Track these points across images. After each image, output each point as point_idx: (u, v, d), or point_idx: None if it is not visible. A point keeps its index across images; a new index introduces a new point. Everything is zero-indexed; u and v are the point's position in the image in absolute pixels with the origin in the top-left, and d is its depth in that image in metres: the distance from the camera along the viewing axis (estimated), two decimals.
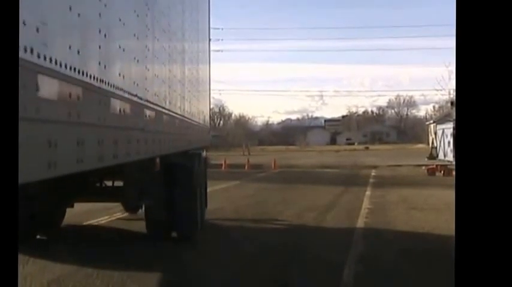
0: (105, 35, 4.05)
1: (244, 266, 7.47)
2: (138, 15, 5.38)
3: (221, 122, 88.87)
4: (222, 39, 48.70)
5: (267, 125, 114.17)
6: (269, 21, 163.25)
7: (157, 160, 7.48)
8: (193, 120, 10.07)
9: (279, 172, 29.24)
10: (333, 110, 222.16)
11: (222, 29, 48.66)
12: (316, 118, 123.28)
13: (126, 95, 4.68)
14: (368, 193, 17.12)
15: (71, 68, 3.22)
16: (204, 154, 11.04)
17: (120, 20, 4.59)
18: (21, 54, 2.36)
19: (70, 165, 3.25)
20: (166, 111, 6.91)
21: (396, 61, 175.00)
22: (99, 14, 3.91)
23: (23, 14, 2.34)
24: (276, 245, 8.90)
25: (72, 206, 9.36)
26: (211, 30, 15.21)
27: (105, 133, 4.05)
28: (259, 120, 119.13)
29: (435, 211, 12.43)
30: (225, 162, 30.64)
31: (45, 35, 2.75)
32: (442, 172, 24.90)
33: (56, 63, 2.95)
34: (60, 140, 2.96)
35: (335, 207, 13.86)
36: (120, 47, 4.61)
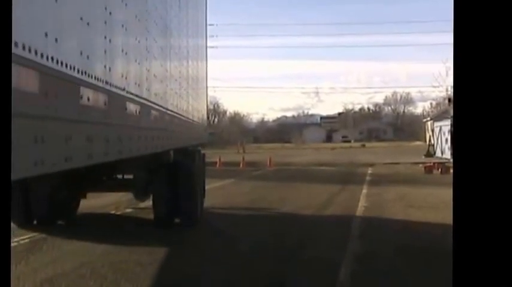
0: (148, 70, 6.07)
1: (241, 269, 7.17)
2: (161, 48, 7.27)
3: (216, 119, 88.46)
4: (216, 36, 48.18)
5: (262, 122, 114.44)
6: (264, 17, 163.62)
7: (171, 152, 9.32)
8: (194, 120, 11.26)
9: (275, 169, 28.97)
10: (329, 107, 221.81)
11: (217, 25, 48.15)
12: (312, 115, 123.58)
13: (156, 107, 6.65)
14: (365, 191, 16.87)
15: (135, 95, 5.21)
16: (201, 150, 12.20)
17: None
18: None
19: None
20: (177, 115, 8.64)
21: (393, 57, 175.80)
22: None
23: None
24: (274, 242, 8.79)
25: (85, 196, 10.54)
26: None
27: (142, 133, 5.88)
28: (255, 118, 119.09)
29: (433, 209, 12.23)
30: (219, 160, 30.31)
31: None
32: (440, 169, 24.64)
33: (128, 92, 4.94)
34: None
35: (331, 205, 13.64)
36: (154, 75, 6.54)
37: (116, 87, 4.54)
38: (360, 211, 12.43)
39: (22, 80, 2.54)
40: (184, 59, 10.05)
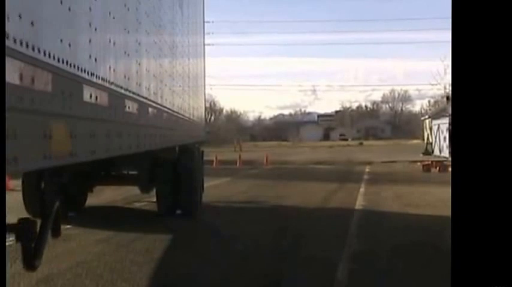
0: (161, 81, 7.34)
1: (237, 267, 7.00)
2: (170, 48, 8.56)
3: (212, 117, 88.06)
4: (212, 33, 47.88)
5: (259, 120, 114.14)
6: (260, 14, 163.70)
7: (176, 148, 10.50)
8: (194, 119, 12.23)
9: (272, 168, 28.84)
10: (326, 105, 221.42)
11: (213, 22, 47.86)
12: (309, 113, 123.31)
13: (166, 110, 7.82)
14: (362, 189, 16.75)
15: (154, 102, 6.59)
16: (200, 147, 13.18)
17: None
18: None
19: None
20: (180, 116, 9.67)
21: (390, 55, 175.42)
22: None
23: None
24: (271, 242, 8.69)
25: (92, 191, 11.38)
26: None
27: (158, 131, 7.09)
28: (251, 116, 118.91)
29: (431, 208, 12.12)
30: (216, 158, 30.07)
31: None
32: (438, 168, 24.55)
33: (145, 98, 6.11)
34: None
35: (328, 204, 13.50)
36: (165, 85, 7.77)
37: (143, 97, 5.91)
38: (357, 209, 12.29)
39: (97, 96, 3.92)
40: (187, 65, 10.95)
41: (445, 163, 24.90)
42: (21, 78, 2.53)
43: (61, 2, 3.18)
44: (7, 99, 2.30)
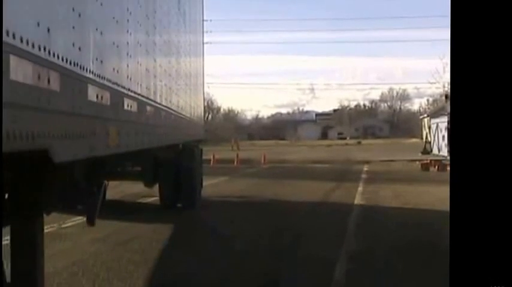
0: (169, 88, 8.35)
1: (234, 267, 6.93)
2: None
3: (210, 116, 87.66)
4: (210, 31, 47.71)
5: (257, 119, 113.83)
6: (258, 12, 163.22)
7: (180, 146, 11.57)
8: (194, 119, 12.97)
9: (269, 167, 28.77)
10: (324, 103, 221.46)
11: (211, 20, 47.70)
12: (307, 112, 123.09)
13: (173, 112, 8.79)
14: (360, 188, 16.70)
15: (165, 106, 7.77)
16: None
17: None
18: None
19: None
20: (183, 116, 10.48)
21: (389, 53, 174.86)
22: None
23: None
24: (269, 242, 8.65)
25: (99, 186, 11.95)
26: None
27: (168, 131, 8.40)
28: (249, 114, 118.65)
29: (429, 207, 12.06)
30: (213, 157, 30.02)
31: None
32: (437, 167, 24.49)
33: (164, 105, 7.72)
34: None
35: (327, 203, 13.46)
36: (173, 91, 8.74)
37: (157, 103, 6.94)
38: (355, 208, 12.24)
39: (131, 105, 5.12)
40: (188, 69, 11.53)
41: (443, 161, 24.83)
42: (97, 97, 3.84)
43: (113, 43, 4.52)
44: (95, 110, 3.80)
